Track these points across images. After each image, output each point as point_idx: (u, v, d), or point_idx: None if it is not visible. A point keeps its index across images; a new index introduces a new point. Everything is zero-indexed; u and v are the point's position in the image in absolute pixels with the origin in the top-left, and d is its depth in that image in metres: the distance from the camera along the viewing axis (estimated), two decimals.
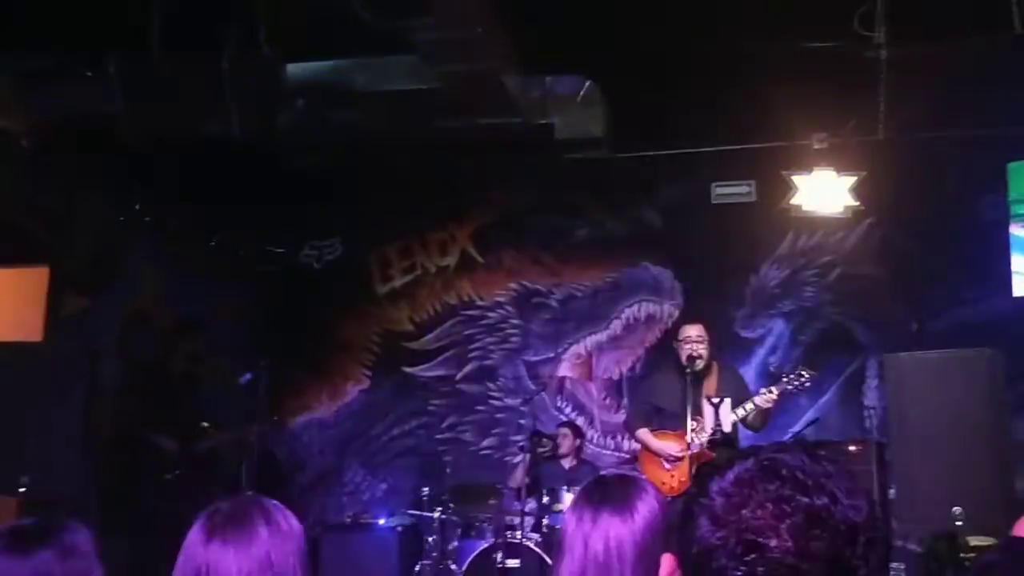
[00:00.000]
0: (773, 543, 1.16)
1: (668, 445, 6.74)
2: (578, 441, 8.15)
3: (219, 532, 2.01)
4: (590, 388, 9.08)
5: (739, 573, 1.16)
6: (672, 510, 2.10)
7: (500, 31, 6.82)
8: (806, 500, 1.18)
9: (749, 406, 6.55)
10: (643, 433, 6.93)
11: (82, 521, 2.40)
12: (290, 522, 2.08)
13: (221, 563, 1.97)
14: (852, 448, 7.31)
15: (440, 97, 7.24)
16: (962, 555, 5.95)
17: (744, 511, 1.19)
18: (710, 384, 6.78)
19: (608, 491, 2.22)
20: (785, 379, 6.62)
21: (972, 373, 5.19)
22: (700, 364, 6.71)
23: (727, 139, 8.81)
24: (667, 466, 6.71)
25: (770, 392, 6.53)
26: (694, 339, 6.78)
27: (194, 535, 2.03)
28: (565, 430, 8.20)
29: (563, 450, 8.05)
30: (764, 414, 6.62)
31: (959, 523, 4.95)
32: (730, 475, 1.23)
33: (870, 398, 8.36)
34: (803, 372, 6.64)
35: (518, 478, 7.58)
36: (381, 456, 9.37)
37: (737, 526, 1.18)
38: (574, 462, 8.06)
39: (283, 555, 2.01)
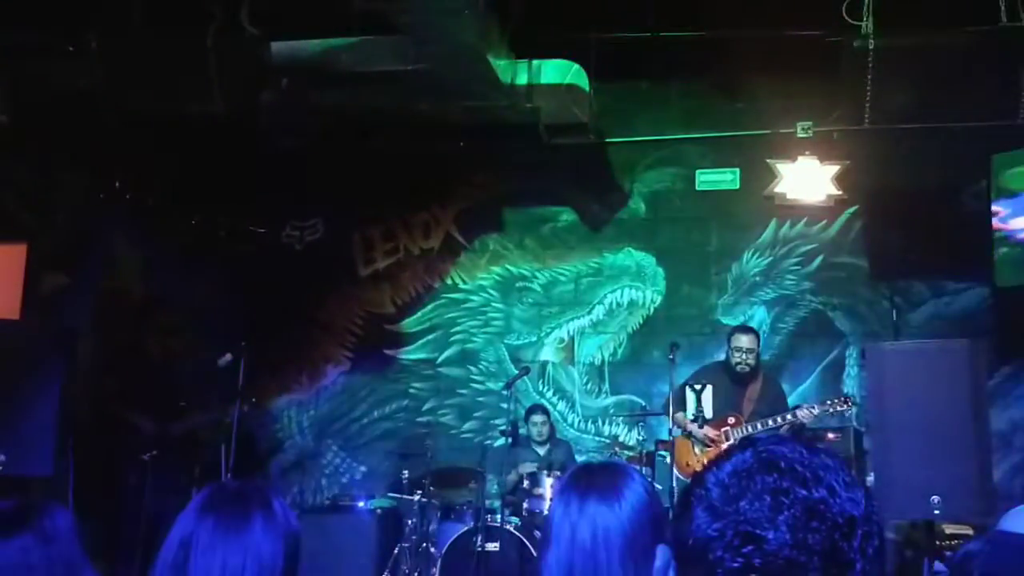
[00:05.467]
0: (770, 535, 1.14)
1: (707, 429, 6.93)
2: (547, 425, 8.15)
3: (215, 510, 1.99)
4: (572, 373, 9.07)
5: (736, 565, 1.15)
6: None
7: (487, 14, 6.78)
8: (804, 492, 1.16)
9: (789, 416, 6.77)
10: (681, 417, 7.05)
11: (57, 501, 2.36)
12: (288, 518, 2.05)
13: (207, 541, 1.95)
14: (831, 435, 7.39)
15: (426, 79, 7.19)
16: (938, 543, 5.99)
17: (741, 503, 1.17)
18: (753, 388, 7.09)
19: (594, 478, 2.17)
20: (829, 402, 6.82)
21: (953, 363, 5.18)
22: (747, 370, 7.06)
23: (712, 126, 8.82)
24: (696, 450, 6.93)
25: (811, 410, 6.76)
26: (744, 349, 7.07)
27: (192, 505, 2.02)
28: (541, 417, 8.12)
29: (542, 438, 8.03)
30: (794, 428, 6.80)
31: (936, 512, 4.96)
32: (727, 466, 1.22)
33: (849, 386, 8.41)
34: (848, 399, 6.86)
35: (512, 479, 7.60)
36: (361, 438, 9.33)
37: (734, 518, 1.17)
38: (548, 446, 8.06)
39: (271, 549, 1.98)
